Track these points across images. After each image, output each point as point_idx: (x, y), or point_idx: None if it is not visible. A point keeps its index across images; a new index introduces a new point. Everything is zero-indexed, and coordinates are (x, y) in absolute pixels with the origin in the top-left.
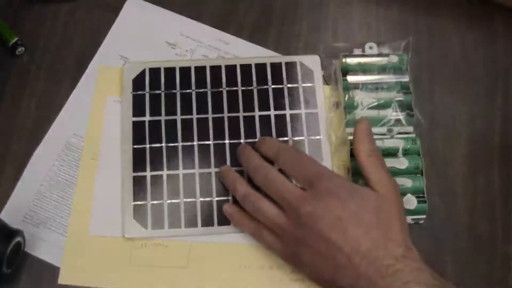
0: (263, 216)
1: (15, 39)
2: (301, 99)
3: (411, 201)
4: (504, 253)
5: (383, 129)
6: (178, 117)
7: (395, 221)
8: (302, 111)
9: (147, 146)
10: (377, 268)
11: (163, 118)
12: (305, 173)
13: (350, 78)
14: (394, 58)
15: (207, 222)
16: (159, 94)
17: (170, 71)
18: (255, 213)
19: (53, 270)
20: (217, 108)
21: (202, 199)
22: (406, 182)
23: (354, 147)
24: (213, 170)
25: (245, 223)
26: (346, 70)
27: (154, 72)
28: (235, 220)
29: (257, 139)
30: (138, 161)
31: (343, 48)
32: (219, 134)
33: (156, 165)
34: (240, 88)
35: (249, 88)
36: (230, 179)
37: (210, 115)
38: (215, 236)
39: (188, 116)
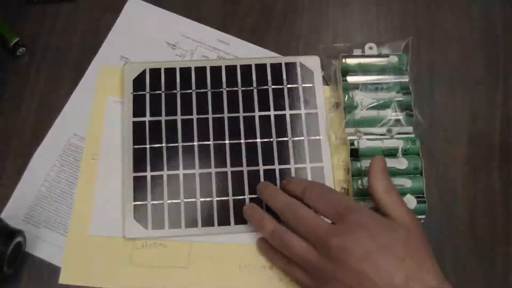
0: (292, 252)
1: (16, 39)
2: (301, 99)
3: (410, 201)
4: (504, 253)
5: (383, 129)
6: (178, 117)
7: (426, 253)
8: (302, 111)
9: (148, 146)
10: None
11: (163, 118)
12: (333, 206)
13: (350, 79)
14: (393, 59)
15: (207, 222)
16: (160, 95)
17: (170, 72)
18: (283, 248)
19: (54, 270)
20: (217, 108)
21: (202, 199)
22: (405, 182)
23: (369, 184)
24: (213, 170)
25: (276, 259)
26: (346, 71)
27: (155, 72)
28: (267, 256)
29: (256, 138)
30: (139, 161)
31: (343, 49)
32: (219, 134)
33: (156, 165)
34: (240, 89)
35: (249, 88)
36: (257, 217)
37: (210, 116)
38: (215, 236)
39: (188, 117)
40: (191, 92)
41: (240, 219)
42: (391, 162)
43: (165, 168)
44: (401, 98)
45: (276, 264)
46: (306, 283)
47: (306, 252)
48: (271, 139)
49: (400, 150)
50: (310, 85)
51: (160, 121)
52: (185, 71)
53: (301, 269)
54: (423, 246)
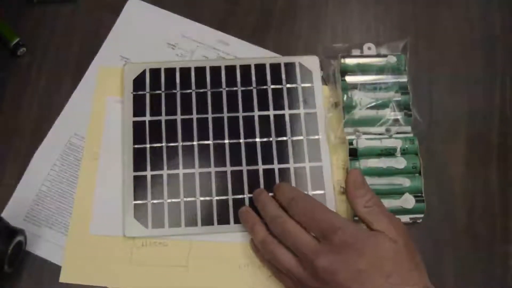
0: (280, 265)
1: (17, 39)
2: (300, 99)
3: (409, 201)
4: (502, 252)
5: (381, 129)
6: (178, 117)
7: (411, 264)
8: (301, 111)
9: (148, 146)
10: None
11: (163, 118)
12: (318, 224)
13: (349, 79)
14: (392, 59)
15: (207, 221)
16: (160, 94)
17: (170, 72)
18: (272, 260)
19: (54, 269)
20: (217, 108)
21: (202, 198)
22: (404, 181)
23: (349, 202)
24: (212, 169)
25: (268, 264)
26: (345, 71)
27: (155, 72)
28: (259, 259)
29: (256, 138)
30: (139, 160)
31: (341, 49)
32: (218, 134)
33: (157, 164)
34: (239, 89)
35: (249, 88)
36: (250, 222)
37: (210, 115)
38: (215, 235)
39: (188, 116)
40: (191, 92)
41: None
42: (389, 162)
43: (165, 167)
44: (400, 98)
45: (268, 269)
46: None
47: (294, 267)
48: (271, 139)
49: (398, 149)
50: (309, 85)
51: (160, 121)
52: (185, 71)
53: (289, 278)
54: (410, 257)
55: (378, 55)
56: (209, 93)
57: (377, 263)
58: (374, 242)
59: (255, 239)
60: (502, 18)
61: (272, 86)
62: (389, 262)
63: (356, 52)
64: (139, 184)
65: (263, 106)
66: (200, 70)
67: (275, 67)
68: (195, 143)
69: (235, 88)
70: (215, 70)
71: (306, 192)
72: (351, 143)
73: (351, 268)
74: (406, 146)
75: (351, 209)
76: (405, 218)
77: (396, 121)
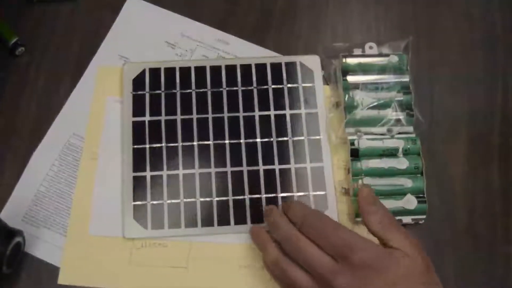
0: (294, 284)
1: (15, 39)
2: (301, 99)
3: (411, 201)
4: (503, 253)
5: (383, 129)
6: (178, 117)
7: (429, 279)
8: (302, 111)
9: (147, 146)
10: None
11: (163, 118)
12: (334, 244)
13: (350, 78)
14: (394, 58)
15: (207, 222)
16: (159, 94)
17: (170, 71)
18: (285, 280)
19: (53, 270)
20: (217, 108)
21: (202, 199)
22: (406, 182)
23: (362, 219)
24: (213, 170)
25: (281, 284)
26: (346, 70)
27: (154, 72)
28: (274, 276)
29: (256, 138)
30: (138, 161)
31: (343, 48)
32: (219, 134)
33: (156, 165)
34: (240, 88)
35: (249, 88)
36: (261, 241)
37: (210, 115)
38: (215, 236)
39: (188, 116)
40: (191, 92)
41: (240, 219)
42: (391, 162)
43: (165, 168)
44: (402, 98)
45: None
46: None
47: (308, 286)
48: (271, 139)
49: (400, 150)
50: (310, 84)
51: (160, 121)
52: (185, 71)
53: None
54: (427, 272)
55: (379, 55)
56: (209, 93)
57: (395, 281)
58: (392, 261)
59: (267, 259)
60: (503, 17)
61: (273, 86)
62: (407, 279)
63: (357, 51)
64: (138, 184)
65: (264, 106)
66: (200, 70)
67: (276, 67)
68: (195, 143)
69: (235, 88)
70: (215, 70)
71: (307, 193)
72: (352, 144)
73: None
74: (408, 146)
75: (352, 210)
76: (407, 219)
77: (398, 121)
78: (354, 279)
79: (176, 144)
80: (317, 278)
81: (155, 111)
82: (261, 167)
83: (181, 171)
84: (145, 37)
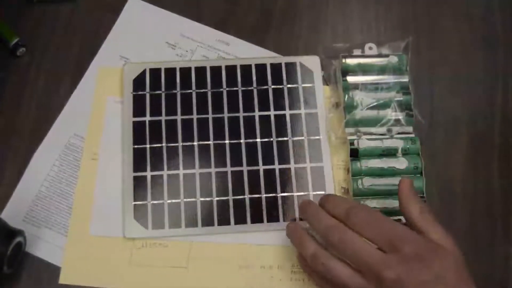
0: (336, 278)
1: (16, 39)
2: (301, 99)
3: None
4: (503, 253)
5: (383, 129)
6: (179, 117)
7: (468, 276)
8: (302, 111)
9: (148, 146)
10: None
11: (163, 118)
12: (384, 235)
13: (350, 79)
14: (393, 59)
15: (207, 222)
16: (160, 95)
17: (170, 72)
18: (326, 274)
19: (54, 270)
20: (217, 108)
21: (202, 199)
22: None
23: (402, 207)
24: (213, 170)
25: (317, 279)
26: (346, 71)
27: (155, 72)
28: (308, 271)
29: (256, 138)
30: (139, 161)
31: (342, 49)
32: (219, 134)
33: (157, 165)
34: (240, 89)
35: (249, 88)
36: (298, 236)
37: (210, 115)
38: (215, 236)
39: (189, 116)
40: (191, 92)
41: (240, 219)
42: (391, 162)
43: (165, 168)
44: (401, 98)
45: (317, 284)
46: None
47: (351, 278)
48: (271, 139)
49: (400, 150)
50: (310, 85)
51: (160, 121)
52: (185, 71)
53: None
54: (467, 270)
55: (379, 55)
56: (209, 93)
57: (442, 275)
58: (440, 253)
59: (305, 253)
60: (503, 17)
61: (273, 86)
62: (454, 275)
63: (357, 52)
64: (139, 184)
65: (264, 106)
66: (200, 70)
67: (276, 67)
68: (195, 143)
69: (235, 88)
70: (216, 70)
71: (306, 193)
72: (352, 144)
73: (418, 279)
74: (408, 146)
75: None
76: None
77: (397, 121)
78: (403, 270)
79: (176, 144)
80: (364, 270)
81: (155, 111)
82: (261, 167)
83: (181, 171)
84: (146, 38)
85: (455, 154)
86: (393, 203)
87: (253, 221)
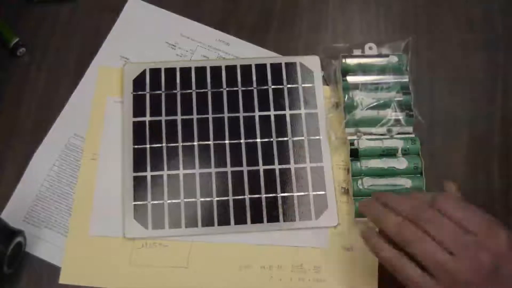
0: (421, 251)
1: (16, 39)
2: (301, 99)
3: None
4: None
5: (383, 129)
6: (179, 117)
7: None
8: (302, 111)
9: (148, 146)
10: None
11: (163, 118)
12: (454, 238)
13: (350, 79)
14: (393, 59)
15: (208, 222)
16: (160, 95)
17: (170, 72)
18: (407, 246)
19: (54, 270)
20: (217, 108)
21: (202, 199)
22: (405, 182)
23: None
24: (213, 170)
25: (384, 255)
26: (346, 71)
27: (155, 72)
28: (371, 247)
29: (256, 138)
30: (139, 161)
31: (342, 49)
32: (219, 134)
33: (157, 165)
34: (240, 89)
35: (249, 88)
36: (376, 208)
37: (210, 115)
38: (215, 236)
39: (189, 117)
40: (191, 92)
41: (240, 219)
42: (391, 162)
43: (165, 168)
44: (401, 98)
45: (384, 261)
46: None
47: (423, 281)
48: (271, 139)
49: (400, 150)
50: (310, 85)
51: (160, 121)
52: (185, 71)
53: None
54: None
55: (379, 55)
56: (209, 93)
57: None
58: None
59: (388, 223)
60: (503, 18)
61: (273, 86)
62: None
63: (357, 52)
64: (139, 184)
65: (264, 106)
66: (200, 70)
67: (276, 67)
68: (195, 143)
69: (235, 88)
70: (216, 70)
71: (306, 193)
72: (352, 144)
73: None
74: (408, 146)
75: (352, 210)
76: None
77: (397, 121)
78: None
79: (176, 144)
80: (437, 271)
81: (155, 111)
82: (261, 167)
83: (181, 171)
84: (146, 38)
85: (455, 154)
86: None
87: (253, 221)
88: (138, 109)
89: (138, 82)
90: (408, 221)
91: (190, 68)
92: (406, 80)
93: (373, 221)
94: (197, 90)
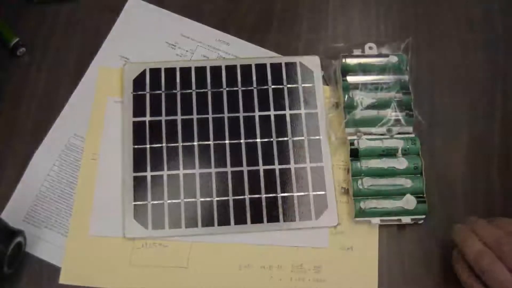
0: (495, 283)
1: (16, 39)
2: (301, 99)
3: (410, 202)
4: None
5: (383, 129)
6: (179, 117)
7: None
8: (302, 111)
9: (148, 146)
10: None
11: (163, 118)
12: None
13: (350, 79)
14: (393, 59)
15: (207, 222)
16: (160, 94)
17: (170, 72)
18: (486, 274)
19: (54, 270)
20: (217, 108)
21: (202, 199)
22: (405, 182)
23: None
24: (213, 170)
25: (470, 281)
26: (346, 71)
27: (155, 72)
28: (459, 273)
29: (256, 138)
30: (139, 161)
31: (342, 49)
32: (219, 134)
33: (157, 165)
34: (240, 89)
35: (249, 88)
36: (464, 234)
37: (210, 115)
38: (215, 236)
39: (189, 116)
40: (191, 92)
41: (240, 219)
42: (391, 162)
43: (165, 168)
44: (401, 98)
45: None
46: None
47: None
48: (271, 139)
49: (400, 150)
50: (310, 85)
51: (160, 121)
52: (185, 71)
53: None
54: None
55: (379, 55)
56: (209, 93)
57: None
58: None
59: (470, 250)
60: (503, 18)
61: (273, 86)
62: None
63: (357, 52)
64: (139, 184)
65: (264, 106)
66: (200, 70)
67: (276, 67)
68: (195, 143)
69: (235, 88)
70: (216, 70)
71: (306, 193)
72: (352, 144)
73: None
74: (408, 146)
75: (352, 210)
76: (406, 219)
77: (397, 121)
78: None
79: (176, 144)
80: None
81: (155, 111)
82: (261, 167)
83: (181, 171)
84: (146, 38)
85: (455, 154)
86: (393, 204)
87: (253, 221)
88: (138, 109)
89: (138, 82)
90: (489, 248)
91: (190, 68)
92: (406, 80)
93: (458, 244)
94: (197, 90)
